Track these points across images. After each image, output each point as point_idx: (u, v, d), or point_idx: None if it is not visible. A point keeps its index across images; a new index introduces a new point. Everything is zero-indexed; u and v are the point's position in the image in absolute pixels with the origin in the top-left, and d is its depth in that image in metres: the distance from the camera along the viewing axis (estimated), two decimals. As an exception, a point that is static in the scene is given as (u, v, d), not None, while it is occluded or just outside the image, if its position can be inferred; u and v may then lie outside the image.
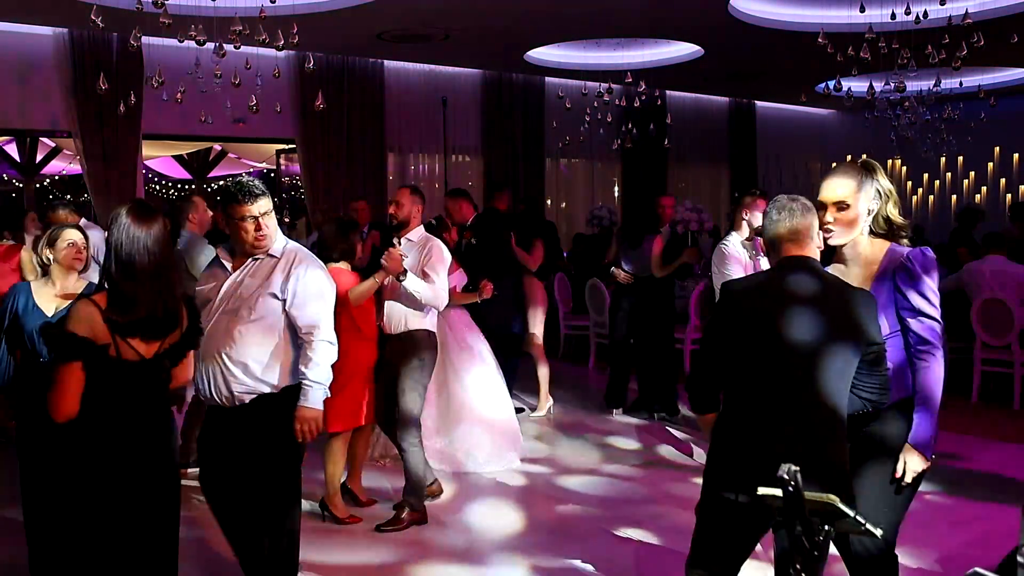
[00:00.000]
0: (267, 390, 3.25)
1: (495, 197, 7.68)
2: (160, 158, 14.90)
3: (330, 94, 10.00)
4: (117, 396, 2.67)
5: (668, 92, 13.72)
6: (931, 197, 15.82)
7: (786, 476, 2.15)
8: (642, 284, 6.95)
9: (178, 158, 15.72)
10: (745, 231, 5.32)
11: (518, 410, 6.53)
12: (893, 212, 2.90)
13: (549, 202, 13.19)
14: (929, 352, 2.83)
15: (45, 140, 13.08)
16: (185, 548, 3.14)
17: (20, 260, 5.51)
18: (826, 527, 2.22)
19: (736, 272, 4.97)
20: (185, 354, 2.89)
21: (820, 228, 2.81)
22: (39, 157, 13.99)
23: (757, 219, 5.09)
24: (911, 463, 2.78)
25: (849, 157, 3.37)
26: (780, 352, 2.57)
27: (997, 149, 14.89)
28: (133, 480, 2.71)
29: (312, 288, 3.30)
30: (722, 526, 2.64)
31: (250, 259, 3.31)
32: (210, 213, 5.77)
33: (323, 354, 3.29)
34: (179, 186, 16.52)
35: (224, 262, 3.36)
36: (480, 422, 5.71)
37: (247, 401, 3.23)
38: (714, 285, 5.24)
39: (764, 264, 5.11)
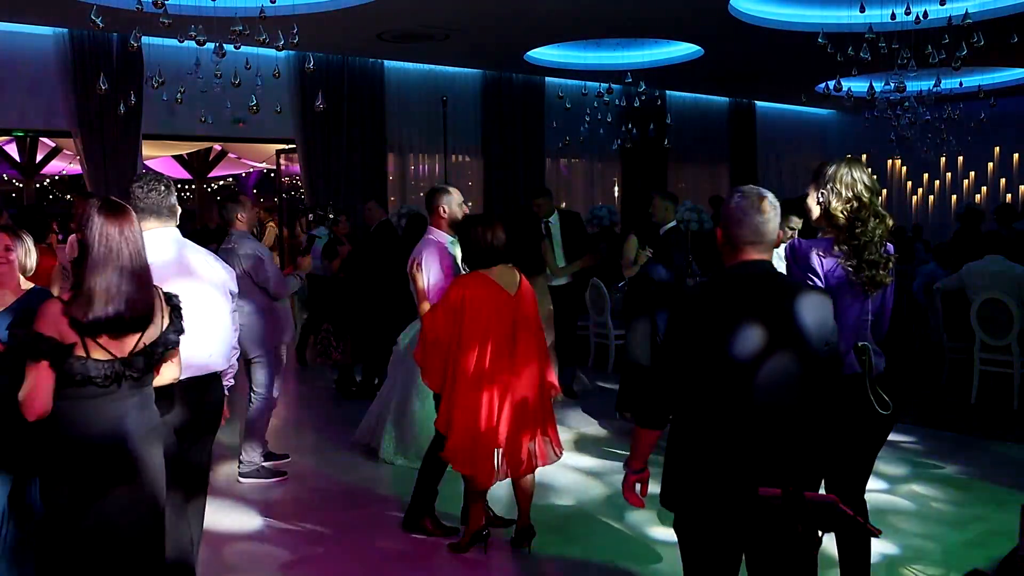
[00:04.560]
0: None
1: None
2: (160, 158, 14.91)
3: (330, 94, 10.01)
4: (91, 394, 2.63)
5: (668, 92, 13.74)
6: (931, 197, 15.83)
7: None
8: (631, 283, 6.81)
9: (178, 158, 15.73)
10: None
11: None
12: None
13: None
14: None
15: (45, 140, 13.10)
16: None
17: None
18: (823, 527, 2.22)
19: None
20: (161, 354, 2.79)
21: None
22: (39, 157, 14.02)
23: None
24: None
25: (849, 157, 3.43)
26: (735, 361, 2.39)
27: (997, 149, 14.89)
28: (108, 477, 2.66)
29: None
30: (708, 541, 2.52)
31: None
32: (256, 210, 6.00)
33: None
34: (179, 186, 16.53)
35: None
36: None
37: None
38: None
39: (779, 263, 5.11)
